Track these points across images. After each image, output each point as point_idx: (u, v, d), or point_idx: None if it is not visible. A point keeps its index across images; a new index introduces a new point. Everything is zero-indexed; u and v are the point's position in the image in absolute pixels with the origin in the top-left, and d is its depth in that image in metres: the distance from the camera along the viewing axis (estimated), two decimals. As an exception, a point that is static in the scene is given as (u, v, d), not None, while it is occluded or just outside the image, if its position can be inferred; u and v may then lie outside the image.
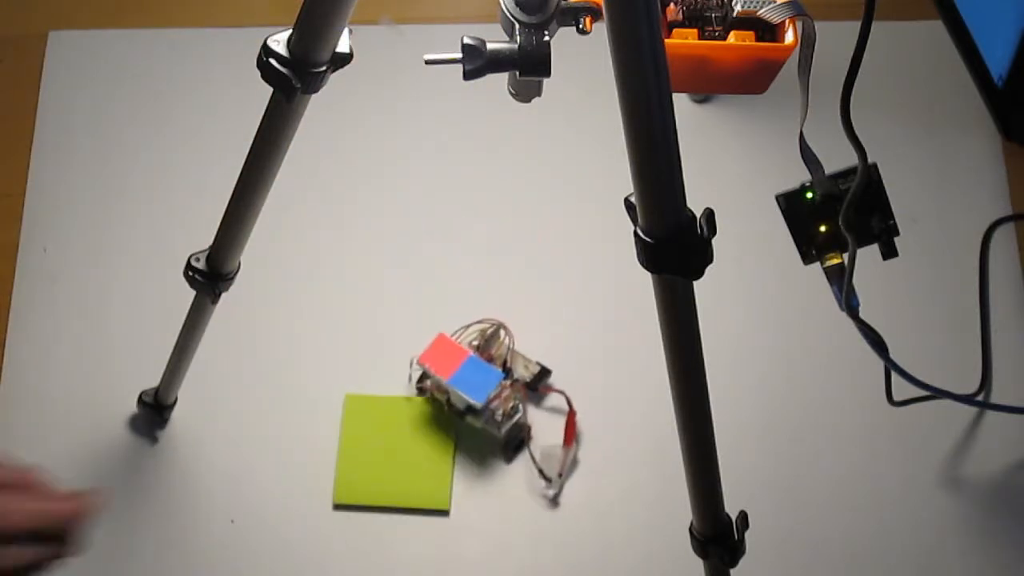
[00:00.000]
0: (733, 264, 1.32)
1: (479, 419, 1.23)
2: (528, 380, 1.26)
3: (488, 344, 1.26)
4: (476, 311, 1.31)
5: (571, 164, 1.40)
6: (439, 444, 1.26)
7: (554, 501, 1.24)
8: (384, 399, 1.28)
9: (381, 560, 1.23)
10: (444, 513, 1.24)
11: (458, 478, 1.25)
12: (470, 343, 1.26)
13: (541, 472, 1.23)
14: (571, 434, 1.24)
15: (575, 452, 1.25)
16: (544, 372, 1.27)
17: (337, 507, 1.24)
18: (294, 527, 1.24)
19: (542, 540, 1.23)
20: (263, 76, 0.81)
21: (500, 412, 1.22)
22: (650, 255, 0.70)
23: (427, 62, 0.76)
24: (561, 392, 1.26)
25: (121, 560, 1.22)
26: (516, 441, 1.25)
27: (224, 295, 1.06)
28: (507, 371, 1.25)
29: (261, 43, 0.81)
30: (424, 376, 1.26)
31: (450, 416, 1.25)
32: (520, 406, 1.24)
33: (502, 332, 1.27)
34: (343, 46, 0.82)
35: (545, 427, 1.26)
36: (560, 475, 1.23)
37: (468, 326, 1.28)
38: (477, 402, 1.21)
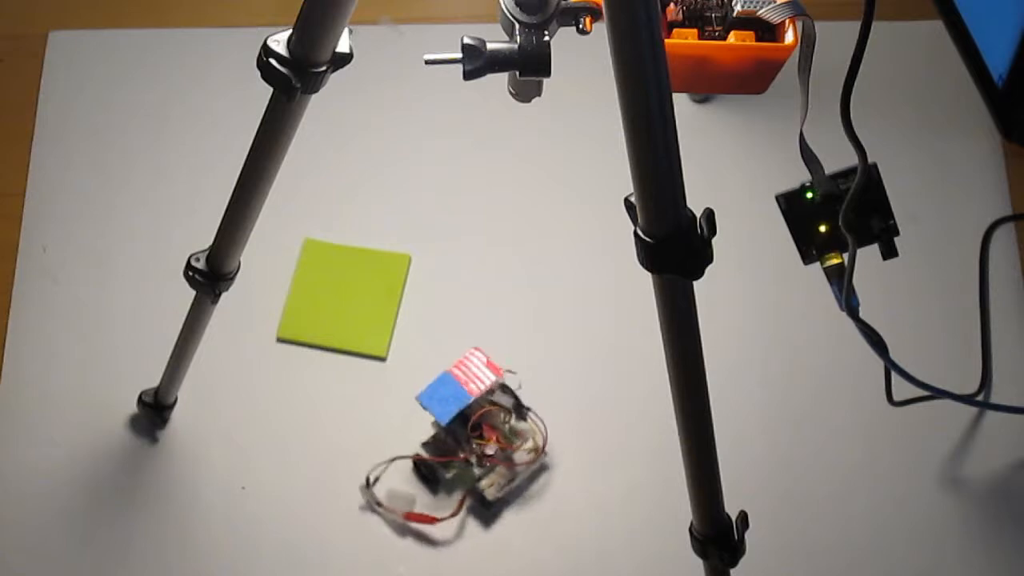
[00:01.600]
0: (733, 264, 1.32)
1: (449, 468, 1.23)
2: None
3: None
4: (476, 311, 1.31)
5: (571, 164, 1.40)
6: (386, 296, 1.32)
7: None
8: (342, 247, 1.34)
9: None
10: (381, 360, 1.29)
11: (399, 328, 1.31)
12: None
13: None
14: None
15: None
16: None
17: (280, 340, 1.30)
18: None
19: (542, 540, 1.23)
20: (263, 76, 0.81)
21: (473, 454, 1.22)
22: (650, 255, 0.70)
23: (427, 62, 0.76)
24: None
25: (121, 560, 1.22)
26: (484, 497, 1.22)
27: (224, 295, 1.06)
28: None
29: (261, 43, 0.81)
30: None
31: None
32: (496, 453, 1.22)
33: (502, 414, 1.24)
34: (343, 46, 0.82)
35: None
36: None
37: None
38: (441, 421, 1.21)
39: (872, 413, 1.24)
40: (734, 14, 0.83)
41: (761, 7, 0.82)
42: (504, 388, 1.25)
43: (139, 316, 1.32)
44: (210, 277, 1.03)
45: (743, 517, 0.92)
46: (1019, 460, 1.26)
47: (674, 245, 0.69)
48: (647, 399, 1.27)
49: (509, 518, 1.24)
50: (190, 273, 1.03)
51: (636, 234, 0.70)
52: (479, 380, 1.23)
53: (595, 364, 1.30)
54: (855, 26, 0.68)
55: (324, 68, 0.82)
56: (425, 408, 1.22)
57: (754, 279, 1.33)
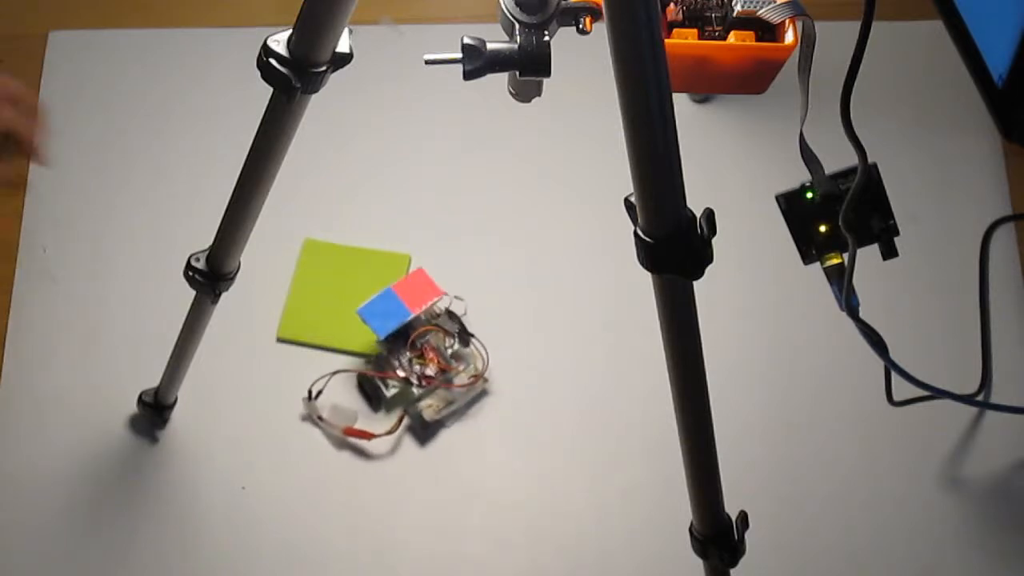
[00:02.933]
0: (733, 264, 1.32)
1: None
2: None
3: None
4: (477, 310, 1.31)
5: (571, 164, 1.40)
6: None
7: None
8: (341, 247, 1.35)
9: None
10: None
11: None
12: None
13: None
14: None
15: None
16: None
17: (280, 340, 1.31)
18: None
19: (542, 540, 1.23)
20: (263, 76, 0.81)
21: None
22: (650, 255, 0.70)
23: (427, 62, 0.76)
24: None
25: (121, 560, 1.22)
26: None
27: (224, 295, 1.06)
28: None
29: (261, 43, 0.81)
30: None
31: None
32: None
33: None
34: (343, 46, 0.82)
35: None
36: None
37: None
38: (380, 335, 1.23)
39: (872, 413, 1.24)
40: (734, 14, 0.83)
41: (761, 7, 0.82)
42: (451, 314, 1.27)
43: (139, 316, 1.32)
44: (210, 277, 1.03)
45: (743, 517, 0.93)
46: (1019, 460, 1.26)
47: (674, 245, 0.69)
48: (647, 399, 1.27)
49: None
50: (190, 273, 1.03)
51: (636, 234, 0.70)
52: (422, 299, 1.26)
53: (595, 364, 1.30)
54: (855, 26, 0.68)
55: (324, 68, 0.82)
56: (365, 322, 1.24)
57: (754, 279, 1.33)
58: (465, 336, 1.26)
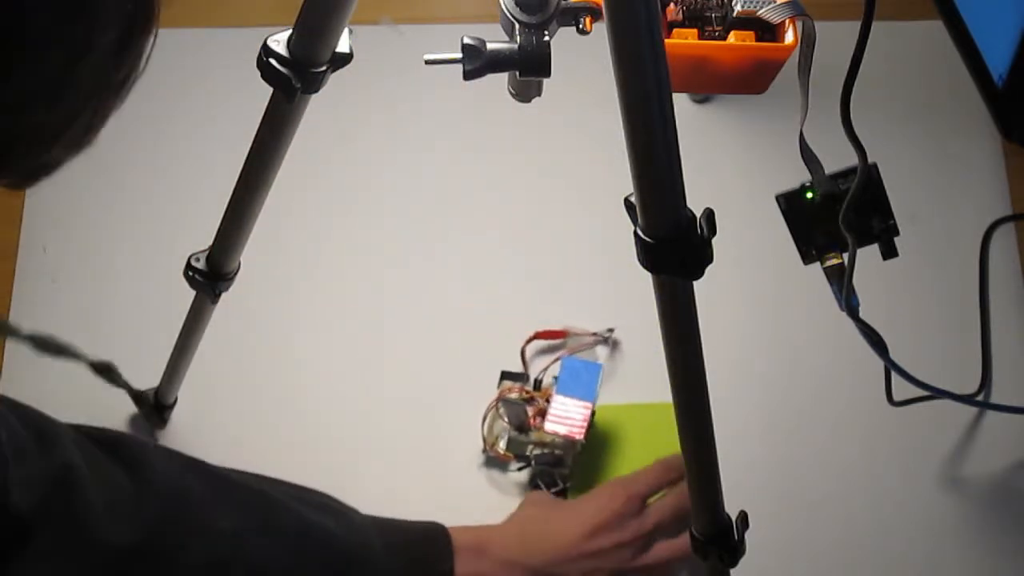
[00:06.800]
0: (733, 264, 1.32)
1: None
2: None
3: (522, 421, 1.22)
4: (477, 309, 1.31)
5: (571, 164, 1.40)
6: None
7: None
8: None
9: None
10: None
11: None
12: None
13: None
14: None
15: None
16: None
17: None
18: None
19: (542, 540, 1.23)
20: (263, 76, 0.82)
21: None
22: (650, 255, 0.70)
23: (427, 62, 0.76)
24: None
25: (121, 560, 1.22)
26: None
27: (224, 295, 1.06)
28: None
29: (261, 43, 0.81)
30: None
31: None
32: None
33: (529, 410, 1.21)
34: (343, 46, 0.82)
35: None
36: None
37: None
38: (590, 402, 1.19)
39: (872, 413, 1.24)
40: (734, 14, 0.83)
41: (761, 7, 0.82)
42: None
43: (139, 316, 1.32)
44: (210, 277, 1.03)
45: (743, 517, 0.93)
46: (1019, 460, 1.26)
47: (674, 245, 0.69)
48: (646, 398, 1.26)
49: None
50: (190, 273, 1.03)
51: (636, 234, 0.70)
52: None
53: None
54: (855, 26, 0.68)
55: (324, 68, 0.82)
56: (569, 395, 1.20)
57: (754, 279, 1.33)
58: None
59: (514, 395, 1.22)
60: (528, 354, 1.28)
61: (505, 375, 1.26)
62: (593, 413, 1.19)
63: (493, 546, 1.12)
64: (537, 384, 1.24)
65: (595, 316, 1.32)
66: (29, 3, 0.45)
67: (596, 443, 1.23)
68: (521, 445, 1.21)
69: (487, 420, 1.23)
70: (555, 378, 1.21)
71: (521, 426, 1.20)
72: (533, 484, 1.22)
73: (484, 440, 1.23)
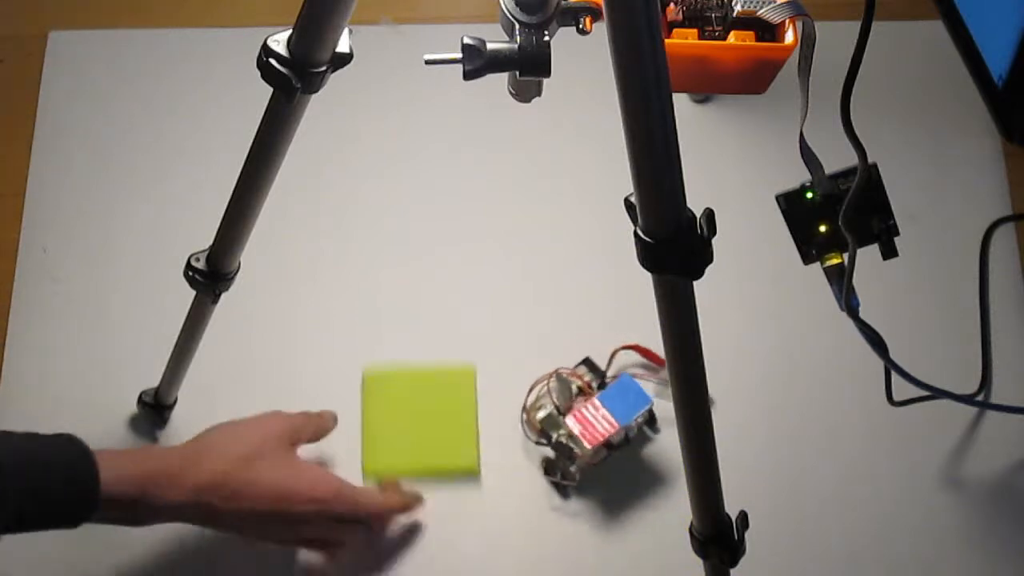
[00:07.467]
0: (733, 264, 1.32)
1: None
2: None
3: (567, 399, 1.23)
4: (478, 308, 1.31)
5: (571, 164, 1.40)
6: (461, 409, 1.27)
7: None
8: (403, 372, 1.29)
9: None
10: (474, 476, 1.24)
11: (484, 440, 1.25)
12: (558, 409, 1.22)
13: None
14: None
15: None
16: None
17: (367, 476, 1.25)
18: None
19: (543, 540, 1.23)
20: (263, 76, 0.82)
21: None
22: (650, 255, 0.70)
23: (427, 62, 0.76)
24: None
25: (121, 561, 1.22)
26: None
27: (224, 295, 1.06)
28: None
29: (261, 43, 0.81)
30: (566, 465, 1.22)
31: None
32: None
33: (573, 386, 1.23)
34: (343, 46, 0.82)
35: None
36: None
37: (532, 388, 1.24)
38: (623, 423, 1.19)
39: (872, 413, 1.24)
40: (734, 14, 0.83)
41: (761, 7, 0.82)
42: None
43: (139, 316, 1.32)
44: (210, 277, 1.03)
45: (743, 517, 0.93)
46: (1019, 460, 1.26)
47: (674, 245, 0.70)
48: (647, 399, 1.27)
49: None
50: (190, 273, 1.03)
51: (636, 234, 0.70)
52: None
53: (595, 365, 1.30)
54: (855, 26, 0.68)
55: (324, 68, 0.82)
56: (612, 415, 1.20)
57: (754, 279, 1.33)
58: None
59: (572, 379, 1.24)
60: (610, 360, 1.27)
61: (587, 362, 1.27)
62: (615, 441, 1.21)
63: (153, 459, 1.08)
64: (602, 385, 1.24)
65: (594, 316, 1.32)
66: None
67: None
68: (554, 426, 1.21)
69: (536, 389, 1.24)
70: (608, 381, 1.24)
71: (559, 407, 1.21)
72: (543, 465, 1.23)
73: (526, 406, 1.24)
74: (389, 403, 1.28)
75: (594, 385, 1.24)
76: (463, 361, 1.29)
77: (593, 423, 1.19)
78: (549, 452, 1.23)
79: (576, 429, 1.19)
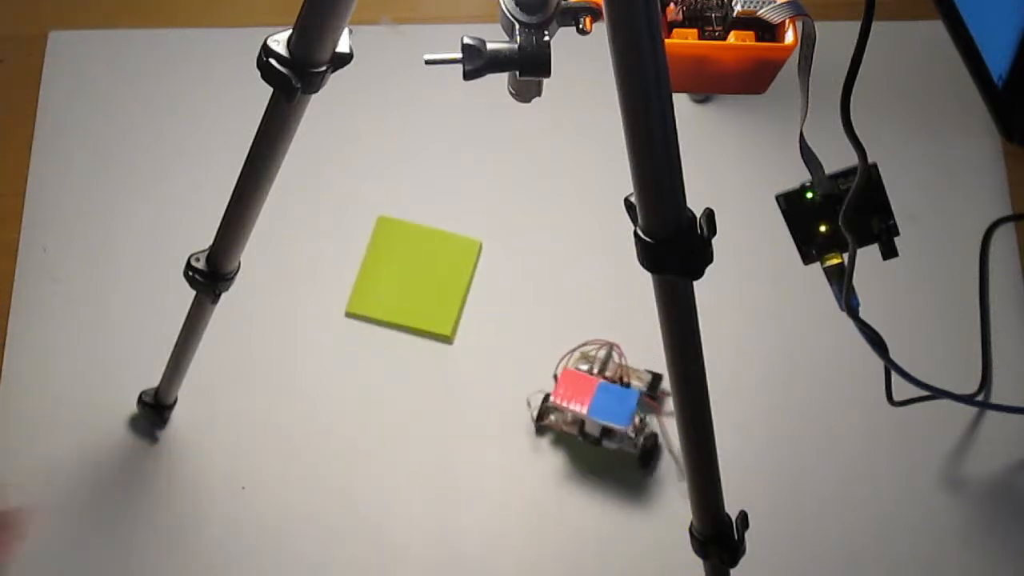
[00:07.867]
0: (733, 264, 1.32)
1: (614, 441, 1.22)
2: (646, 390, 1.25)
3: (604, 367, 1.26)
4: (479, 308, 1.31)
5: (571, 164, 1.40)
6: (456, 276, 1.32)
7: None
8: (412, 226, 1.35)
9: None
10: (447, 340, 1.30)
11: (468, 311, 1.31)
12: (589, 370, 1.25)
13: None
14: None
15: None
16: (656, 378, 1.26)
17: (348, 315, 1.31)
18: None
19: (543, 539, 1.23)
20: (263, 76, 0.81)
21: (632, 429, 1.22)
22: (650, 255, 0.70)
23: (427, 62, 0.76)
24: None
25: (121, 560, 1.22)
26: (649, 450, 1.24)
27: (224, 295, 1.06)
28: (626, 386, 1.24)
29: (261, 43, 0.81)
30: (547, 412, 1.25)
31: (583, 445, 1.24)
32: (646, 417, 1.24)
33: (615, 352, 1.26)
34: (343, 46, 0.82)
35: (672, 428, 1.26)
36: None
37: (573, 351, 1.27)
38: (623, 426, 1.20)
39: (872, 413, 1.24)
40: (734, 14, 0.83)
41: (761, 7, 0.82)
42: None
43: (139, 316, 1.32)
44: (210, 277, 1.03)
45: (743, 517, 0.93)
46: (1019, 460, 1.26)
47: (674, 245, 0.69)
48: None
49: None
50: (190, 273, 1.03)
51: (636, 234, 0.70)
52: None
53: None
54: (855, 26, 0.68)
55: (324, 68, 0.82)
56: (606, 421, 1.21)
57: (754, 279, 1.33)
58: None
59: (601, 350, 1.27)
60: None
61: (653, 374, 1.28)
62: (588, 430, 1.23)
63: None
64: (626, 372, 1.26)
65: (595, 316, 1.32)
66: None
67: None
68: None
69: (576, 352, 1.27)
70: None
71: (594, 368, 1.25)
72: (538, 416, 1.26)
73: (557, 372, 1.26)
74: (391, 252, 1.34)
75: (626, 379, 1.25)
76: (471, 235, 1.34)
77: (573, 392, 1.22)
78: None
79: (566, 404, 1.22)
